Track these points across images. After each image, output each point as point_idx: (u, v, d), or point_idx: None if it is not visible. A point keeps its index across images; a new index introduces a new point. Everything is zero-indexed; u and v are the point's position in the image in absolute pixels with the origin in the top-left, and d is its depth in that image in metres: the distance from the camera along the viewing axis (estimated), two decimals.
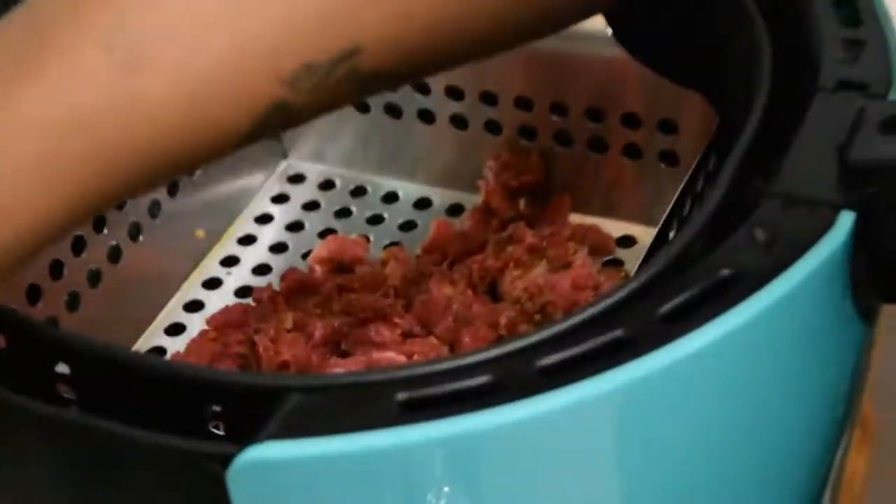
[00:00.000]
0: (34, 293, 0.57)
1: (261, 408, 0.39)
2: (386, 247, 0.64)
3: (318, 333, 0.58)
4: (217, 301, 0.62)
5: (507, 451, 0.39)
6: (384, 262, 0.62)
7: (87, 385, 0.43)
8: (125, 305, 0.61)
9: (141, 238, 0.61)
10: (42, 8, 0.41)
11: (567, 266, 0.58)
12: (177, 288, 0.63)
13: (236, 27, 0.40)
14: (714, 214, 0.44)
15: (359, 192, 0.67)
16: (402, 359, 0.56)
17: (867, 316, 0.45)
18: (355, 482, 0.39)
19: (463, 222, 0.64)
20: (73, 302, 0.59)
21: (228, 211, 0.66)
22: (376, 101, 0.66)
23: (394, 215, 0.66)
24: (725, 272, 0.41)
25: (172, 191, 0.63)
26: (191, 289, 0.63)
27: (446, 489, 0.39)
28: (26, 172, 0.39)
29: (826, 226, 0.42)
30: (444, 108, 0.65)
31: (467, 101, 0.64)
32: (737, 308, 0.40)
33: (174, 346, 0.60)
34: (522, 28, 0.47)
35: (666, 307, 0.41)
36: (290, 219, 0.66)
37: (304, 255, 0.64)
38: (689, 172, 0.56)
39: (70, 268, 0.58)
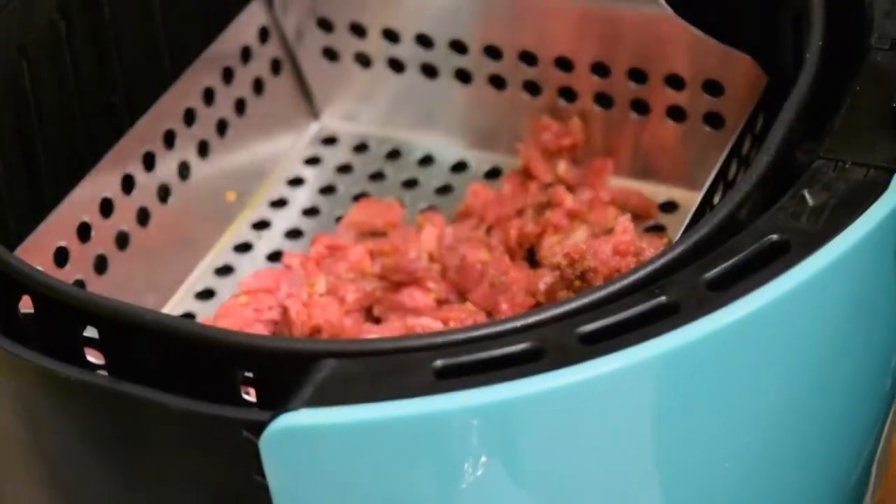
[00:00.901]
0: (61, 256, 0.56)
1: (294, 374, 0.39)
2: (421, 211, 0.63)
3: (350, 298, 0.58)
4: (248, 266, 0.62)
5: (546, 420, 0.38)
6: (419, 227, 0.61)
7: (115, 349, 0.43)
8: (154, 269, 0.60)
9: (170, 200, 0.61)
10: None
11: (608, 232, 0.57)
12: (207, 252, 0.62)
13: None
14: (762, 178, 0.43)
15: (394, 154, 0.67)
16: (437, 325, 0.55)
17: None
18: (390, 451, 0.38)
19: (501, 186, 0.63)
20: (101, 265, 0.58)
21: (260, 173, 0.65)
22: (412, 61, 0.65)
23: (429, 179, 0.65)
24: (774, 238, 0.41)
25: (203, 152, 0.62)
26: (221, 253, 0.63)
27: (483, 459, 0.38)
28: None
29: (880, 189, 0.41)
30: (482, 67, 0.64)
31: (506, 61, 0.63)
32: (785, 275, 0.40)
33: (204, 311, 0.60)
34: None
35: (711, 274, 0.40)
36: (323, 182, 0.66)
37: (338, 220, 0.63)
38: (736, 135, 0.55)
39: (98, 230, 0.57)
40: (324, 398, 0.38)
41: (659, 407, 0.39)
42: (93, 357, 0.44)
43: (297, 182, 0.66)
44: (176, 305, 0.60)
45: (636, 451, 0.40)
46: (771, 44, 0.54)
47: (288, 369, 0.39)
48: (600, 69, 0.61)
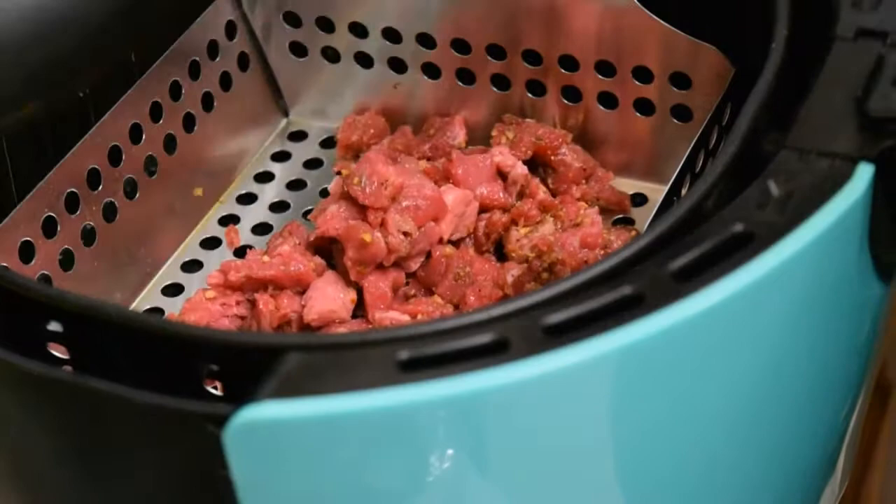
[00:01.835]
0: (27, 251, 0.56)
1: (258, 367, 0.38)
2: None
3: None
4: (216, 261, 0.61)
5: (511, 410, 0.38)
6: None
7: (79, 344, 0.42)
8: (121, 265, 0.60)
9: (137, 195, 0.60)
10: None
11: (577, 225, 0.56)
12: (175, 247, 0.62)
13: None
14: (728, 168, 0.43)
15: None
16: (405, 319, 0.55)
17: (885, 273, 0.44)
18: (354, 444, 0.38)
19: None
20: (68, 260, 0.57)
21: (228, 169, 0.65)
22: (379, 55, 0.64)
23: None
24: (738, 228, 0.41)
25: (170, 147, 0.62)
26: (189, 248, 0.62)
27: (448, 450, 0.38)
28: None
29: (844, 179, 0.41)
30: (450, 61, 0.63)
31: (473, 55, 0.63)
32: (749, 265, 0.39)
33: (172, 306, 0.59)
34: None
35: (676, 264, 0.40)
36: (291, 177, 0.65)
37: (305, 214, 0.63)
38: (702, 127, 0.55)
39: (64, 225, 0.57)
40: (288, 390, 0.37)
41: (623, 397, 0.39)
42: (57, 352, 0.44)
43: (265, 177, 0.65)
44: (144, 301, 0.60)
45: (601, 441, 0.40)
46: (737, 35, 0.54)
47: (253, 363, 0.39)
48: (569, 63, 0.61)
